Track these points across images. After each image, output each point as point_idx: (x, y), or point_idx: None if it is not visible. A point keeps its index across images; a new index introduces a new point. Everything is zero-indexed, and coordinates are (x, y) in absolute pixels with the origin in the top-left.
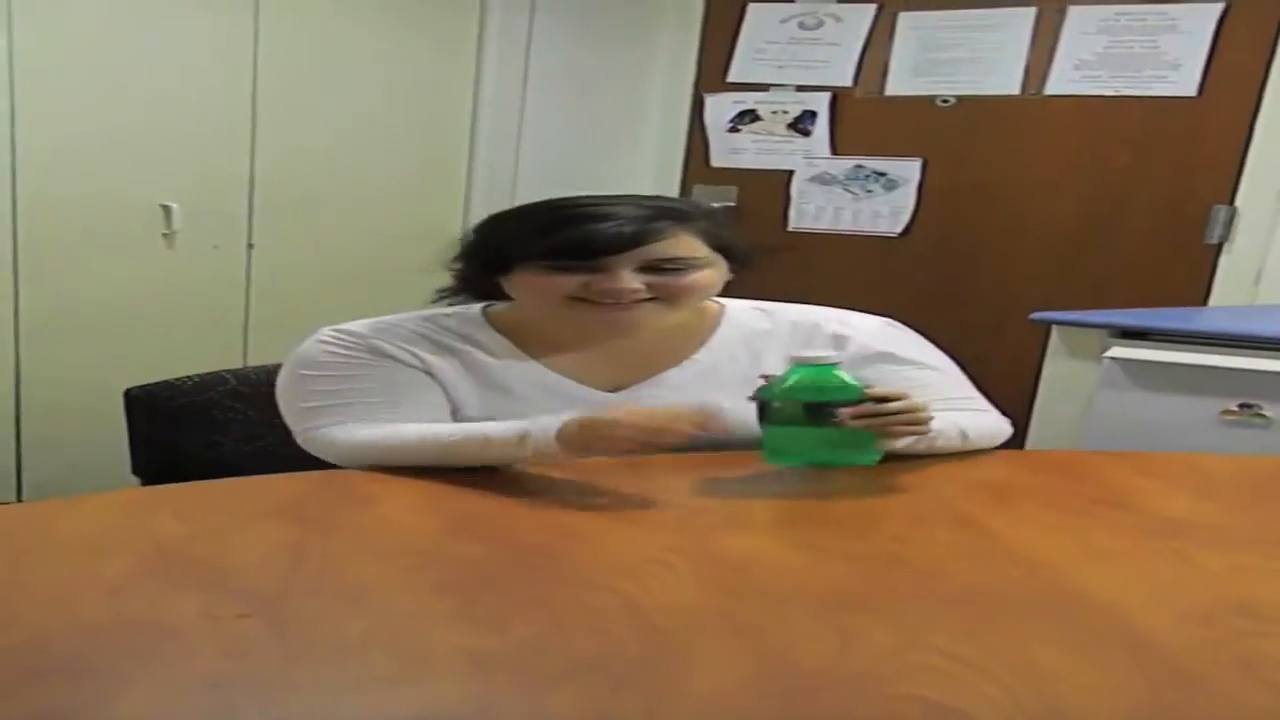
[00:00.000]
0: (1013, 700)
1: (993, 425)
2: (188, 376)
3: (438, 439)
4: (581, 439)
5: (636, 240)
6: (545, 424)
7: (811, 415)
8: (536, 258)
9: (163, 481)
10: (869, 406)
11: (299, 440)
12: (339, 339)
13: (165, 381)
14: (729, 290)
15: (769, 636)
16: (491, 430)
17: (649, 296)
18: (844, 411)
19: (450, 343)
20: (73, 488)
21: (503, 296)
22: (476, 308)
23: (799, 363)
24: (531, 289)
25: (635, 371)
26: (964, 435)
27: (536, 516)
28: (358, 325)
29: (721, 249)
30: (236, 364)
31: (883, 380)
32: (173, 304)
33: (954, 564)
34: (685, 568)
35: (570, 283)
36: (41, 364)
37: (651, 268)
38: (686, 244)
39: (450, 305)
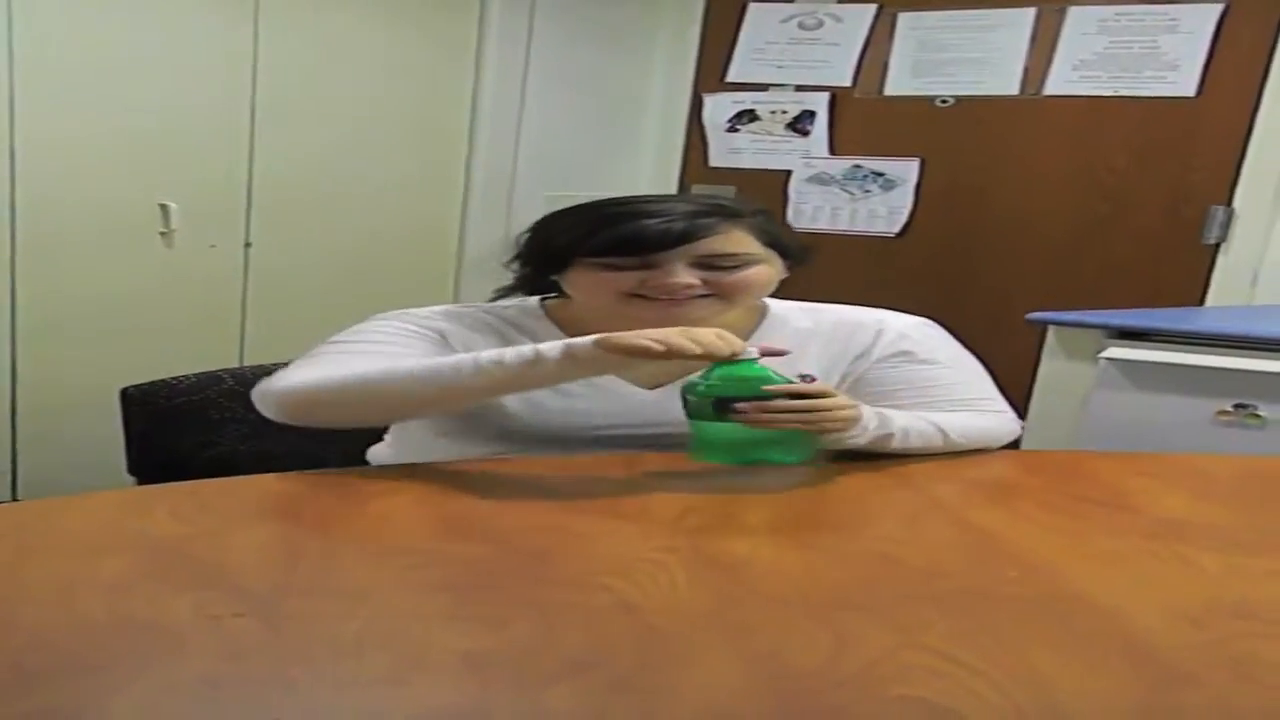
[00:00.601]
0: (1008, 701)
1: (990, 427)
2: (184, 376)
3: (425, 372)
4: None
5: (688, 235)
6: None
7: (722, 411)
8: (590, 254)
9: (158, 481)
10: (773, 403)
11: (254, 390)
12: (400, 314)
13: (162, 381)
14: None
15: (763, 637)
16: (509, 353)
17: (704, 293)
18: (742, 406)
19: (506, 331)
20: (68, 487)
21: (560, 291)
22: (535, 300)
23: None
24: (587, 286)
25: (677, 369)
26: (944, 435)
27: (532, 516)
28: (425, 310)
29: (774, 246)
30: (233, 364)
31: (891, 378)
32: (170, 303)
33: (950, 564)
34: (680, 568)
35: (625, 279)
36: (38, 363)
37: (705, 264)
38: (739, 240)
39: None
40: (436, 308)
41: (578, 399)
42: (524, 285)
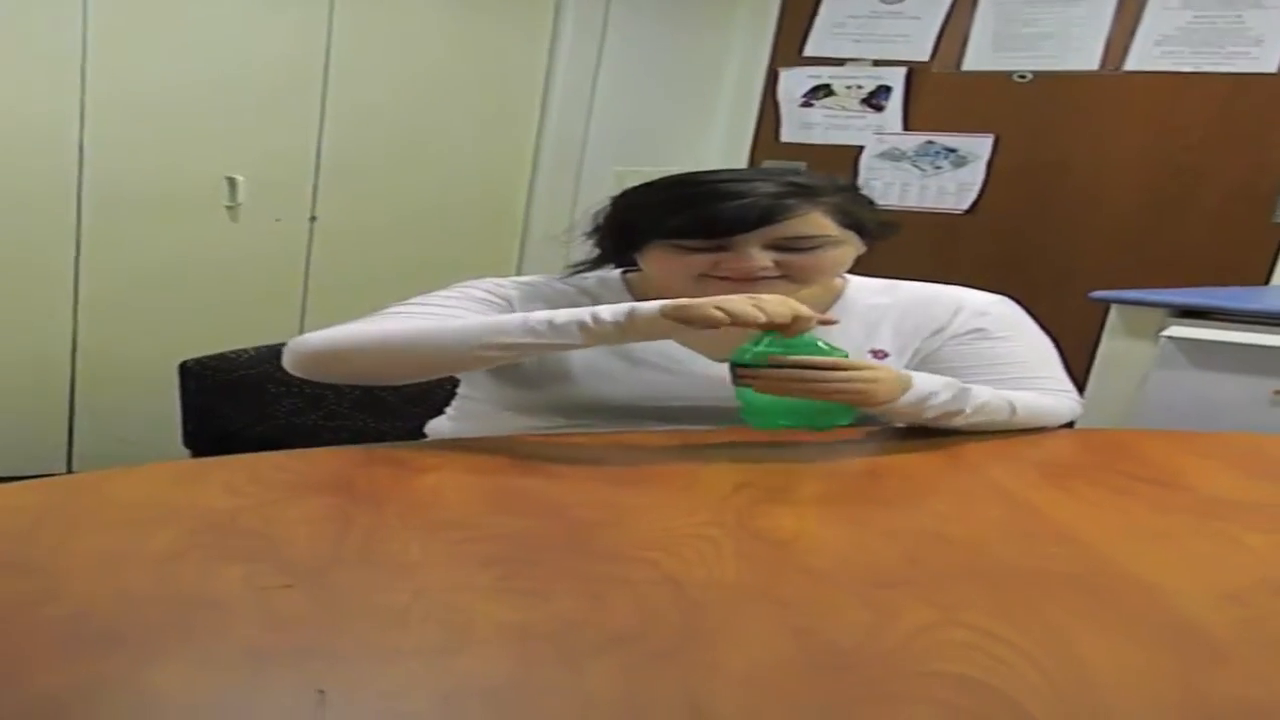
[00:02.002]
0: (1046, 678)
1: (1053, 406)
2: (243, 350)
3: (479, 330)
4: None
5: (764, 219)
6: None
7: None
8: (666, 235)
9: (213, 454)
10: (776, 371)
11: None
12: (475, 281)
13: (221, 354)
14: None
15: (806, 613)
16: (560, 316)
17: (777, 274)
18: (746, 372)
19: (580, 301)
20: (124, 459)
21: (631, 264)
22: (616, 271)
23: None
24: (662, 266)
25: (745, 340)
26: (1012, 409)
27: (580, 490)
28: (507, 280)
29: (852, 225)
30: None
31: (964, 354)
32: (233, 277)
33: (996, 542)
34: (727, 543)
35: (700, 261)
36: (98, 335)
37: (781, 246)
38: (815, 222)
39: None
40: (514, 278)
41: (645, 370)
42: (602, 260)
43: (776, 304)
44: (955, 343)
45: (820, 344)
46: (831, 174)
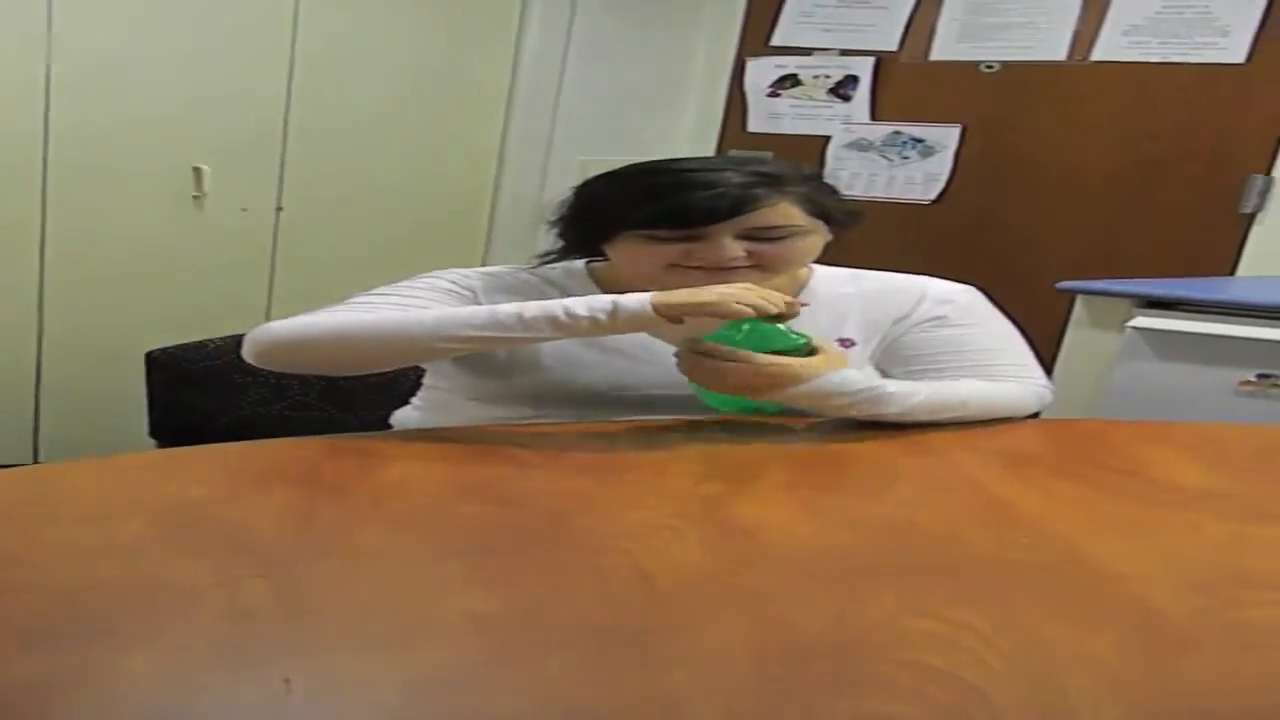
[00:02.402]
0: (1011, 667)
1: (1017, 395)
2: (209, 340)
3: (444, 321)
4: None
5: (736, 209)
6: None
7: None
8: (636, 226)
9: (179, 444)
10: (687, 355)
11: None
12: (439, 272)
13: (187, 344)
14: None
15: (771, 602)
16: (530, 309)
17: (749, 264)
18: (679, 353)
19: (547, 292)
20: (90, 448)
21: (604, 254)
22: (581, 262)
23: None
24: (632, 257)
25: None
26: (963, 403)
27: (547, 481)
28: (470, 270)
29: (819, 215)
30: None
31: (925, 342)
32: (199, 267)
33: (962, 531)
34: (694, 533)
35: (671, 251)
36: (64, 324)
37: (751, 235)
38: (785, 212)
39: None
40: (479, 269)
41: (617, 359)
42: (567, 251)
43: (764, 296)
44: (918, 330)
45: (789, 333)
46: (797, 164)
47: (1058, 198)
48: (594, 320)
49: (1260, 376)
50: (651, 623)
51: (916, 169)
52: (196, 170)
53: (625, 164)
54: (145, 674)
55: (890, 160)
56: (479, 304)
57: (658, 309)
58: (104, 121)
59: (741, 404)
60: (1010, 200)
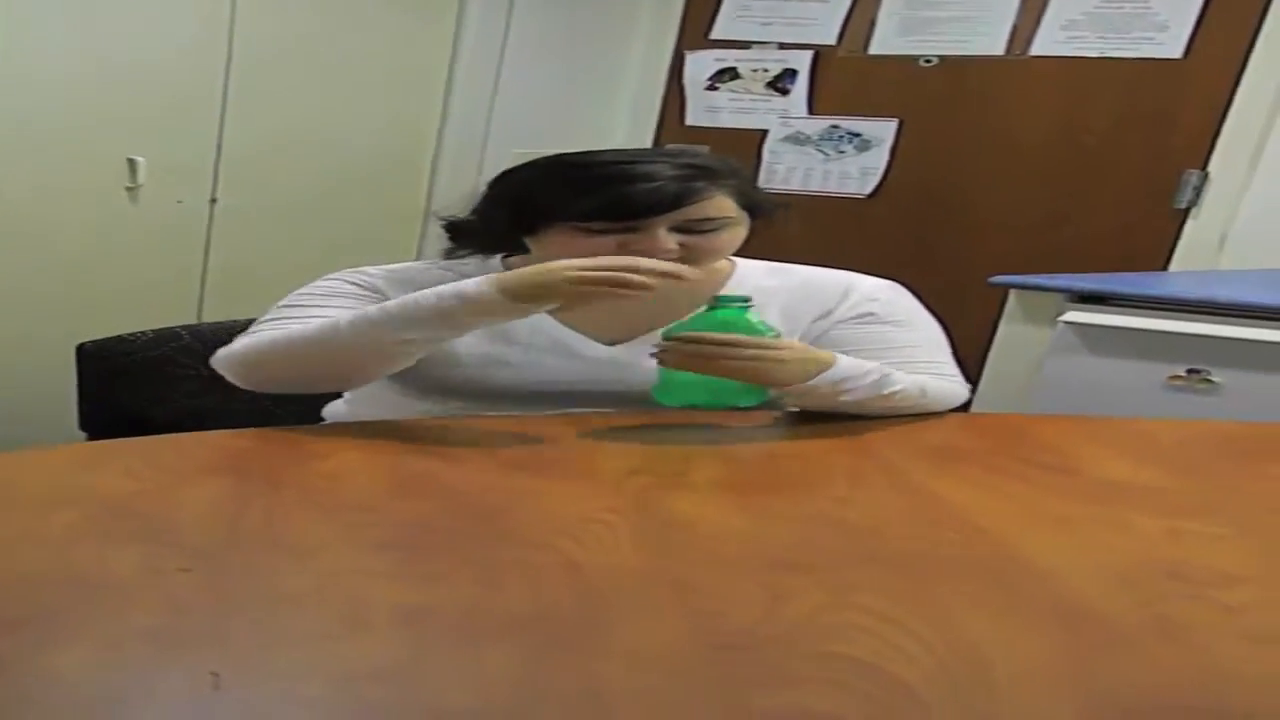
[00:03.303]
0: (938, 662)
1: (951, 390)
2: (142, 332)
3: (355, 321)
4: (536, 282)
5: (676, 201)
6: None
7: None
8: (572, 218)
9: (111, 437)
10: (679, 346)
11: (213, 359)
12: (345, 275)
13: (119, 336)
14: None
15: (701, 595)
16: (425, 295)
17: (681, 256)
18: (659, 345)
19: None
20: (18, 442)
21: (515, 249)
22: (496, 257)
23: (713, 303)
24: (564, 249)
25: (638, 326)
26: (922, 391)
27: (482, 475)
28: (373, 268)
29: (748, 207)
30: (191, 320)
31: (852, 339)
32: (132, 259)
33: (892, 526)
34: (625, 528)
35: (606, 244)
36: None
37: (685, 228)
38: (720, 204)
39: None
40: (386, 266)
41: (537, 354)
42: (487, 243)
43: (652, 265)
44: (844, 326)
45: (755, 322)
46: (724, 156)
47: (994, 192)
48: (491, 300)
49: (1190, 372)
50: (583, 617)
51: (853, 163)
52: (131, 162)
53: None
54: (70, 666)
55: (827, 155)
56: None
57: (571, 281)
58: (39, 112)
59: (716, 398)
60: (946, 195)
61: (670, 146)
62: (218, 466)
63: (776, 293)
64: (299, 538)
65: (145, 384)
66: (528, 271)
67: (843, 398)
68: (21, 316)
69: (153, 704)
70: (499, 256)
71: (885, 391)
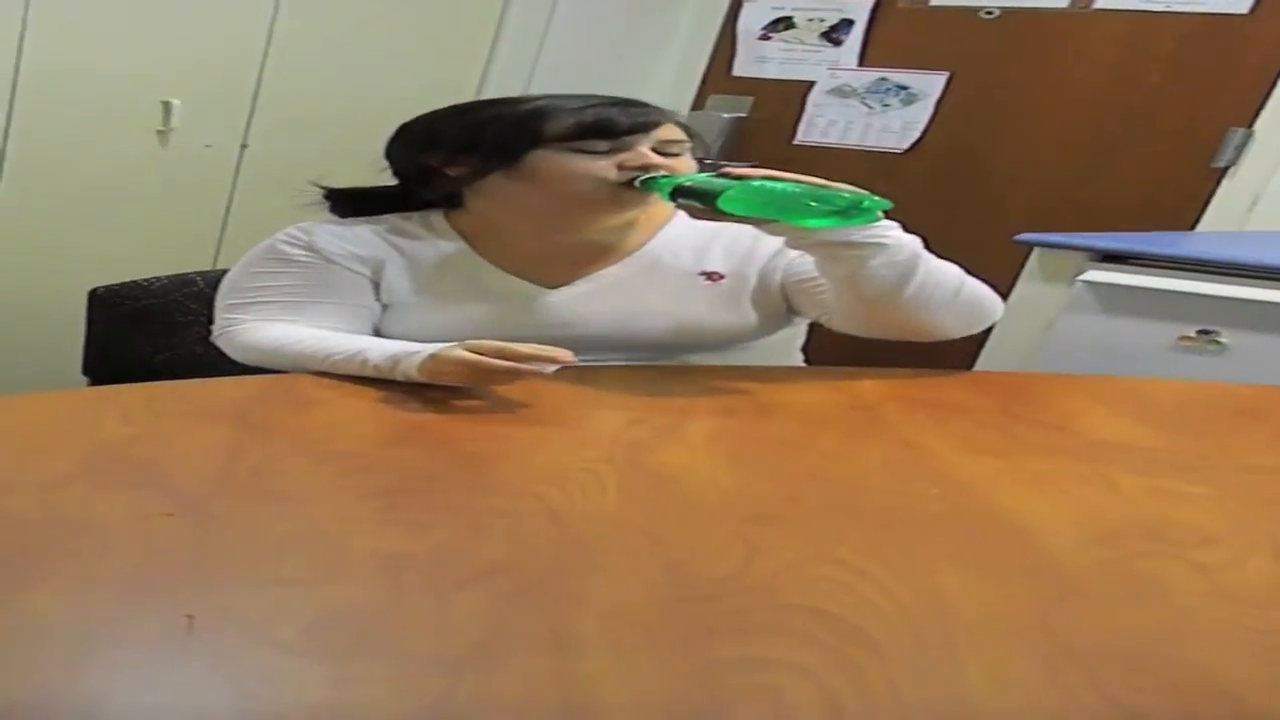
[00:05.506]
0: (904, 615)
1: (990, 293)
2: (156, 277)
3: (320, 354)
4: (434, 369)
5: (658, 121)
6: (414, 351)
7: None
8: (567, 139)
9: (113, 382)
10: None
11: (213, 338)
12: (287, 235)
13: (133, 282)
14: None
15: (679, 547)
16: (371, 354)
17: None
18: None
19: (399, 241)
20: (21, 385)
21: (449, 203)
22: (439, 211)
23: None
24: (559, 169)
25: (580, 268)
26: (960, 281)
27: (477, 425)
28: (313, 224)
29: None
30: (206, 266)
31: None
32: (155, 203)
33: (877, 481)
34: (613, 478)
35: (598, 163)
36: (12, 257)
37: (659, 150)
38: (676, 130)
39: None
40: (327, 223)
41: (478, 307)
42: (410, 201)
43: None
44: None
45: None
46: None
47: (1031, 149)
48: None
49: (1200, 332)
50: (557, 566)
51: (895, 117)
52: (165, 104)
53: None
54: (48, 608)
55: (871, 107)
56: (333, 265)
57: (420, 368)
58: (78, 54)
59: (783, 213)
60: (982, 151)
61: (716, 102)
62: (215, 414)
63: (719, 231)
64: (286, 485)
65: (152, 330)
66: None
67: (888, 254)
68: (40, 259)
69: (126, 644)
70: (441, 212)
71: (924, 258)
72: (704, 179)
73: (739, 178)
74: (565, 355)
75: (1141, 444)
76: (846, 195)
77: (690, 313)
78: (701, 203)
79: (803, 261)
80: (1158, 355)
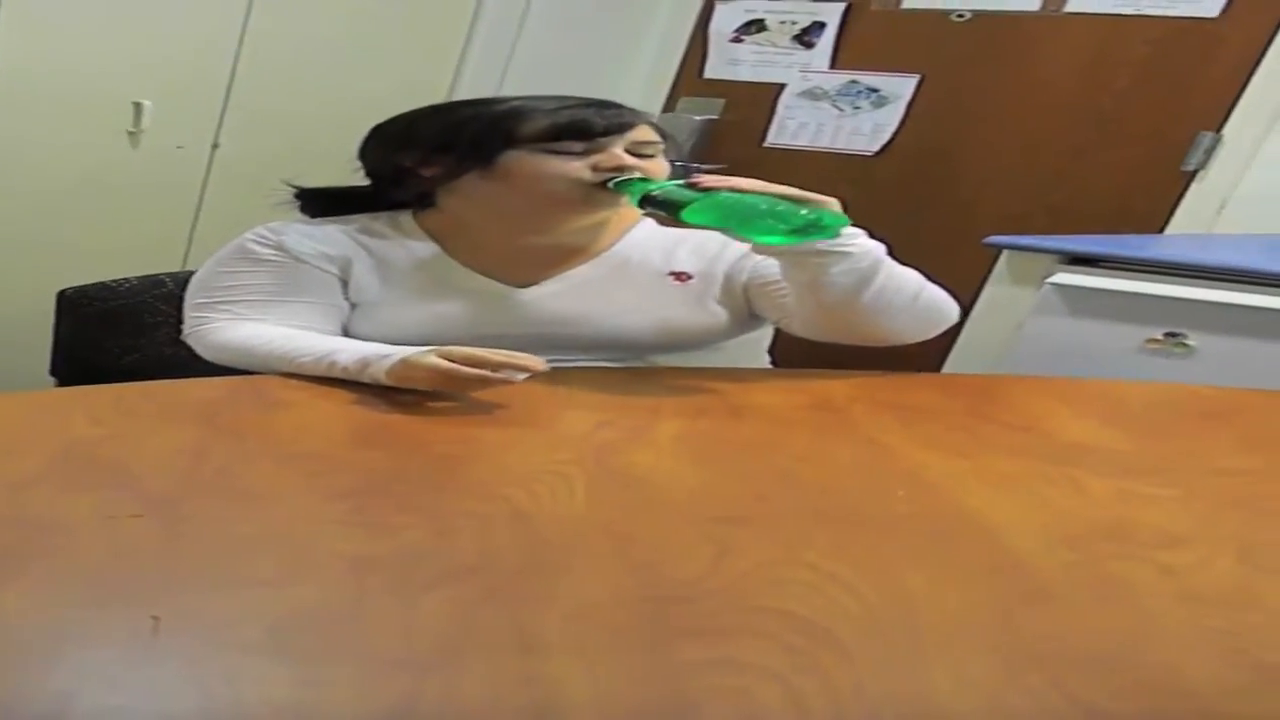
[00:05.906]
0: (871, 616)
1: (939, 293)
2: (126, 279)
3: (290, 355)
4: (404, 374)
5: (632, 122)
6: (385, 354)
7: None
8: (541, 140)
9: (82, 383)
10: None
11: (184, 336)
12: (256, 234)
13: (101, 283)
14: None
15: (647, 548)
16: (340, 356)
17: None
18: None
19: (368, 241)
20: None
21: (419, 204)
22: (408, 212)
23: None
24: (533, 170)
25: (550, 268)
26: (920, 286)
27: (446, 426)
28: (283, 224)
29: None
30: (176, 268)
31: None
32: (125, 204)
33: (845, 483)
34: (581, 480)
35: (573, 165)
36: None
37: (633, 151)
38: (650, 131)
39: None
40: (296, 223)
41: (447, 306)
42: (380, 202)
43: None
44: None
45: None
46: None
47: (1002, 152)
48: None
49: (1168, 335)
50: (524, 567)
51: (866, 119)
52: (136, 105)
53: None
54: (15, 609)
55: (841, 110)
56: (302, 264)
57: (389, 373)
58: (49, 54)
59: (745, 226)
60: (953, 154)
61: (686, 105)
62: (183, 415)
63: (684, 237)
64: (254, 486)
65: (121, 331)
66: (413, 368)
67: (849, 261)
68: (8, 260)
69: (90, 646)
70: (409, 213)
71: (886, 264)
72: (672, 188)
73: (706, 189)
74: (537, 364)
75: (1109, 446)
76: (804, 214)
77: (659, 313)
78: (667, 213)
79: (767, 264)
80: (1126, 357)
